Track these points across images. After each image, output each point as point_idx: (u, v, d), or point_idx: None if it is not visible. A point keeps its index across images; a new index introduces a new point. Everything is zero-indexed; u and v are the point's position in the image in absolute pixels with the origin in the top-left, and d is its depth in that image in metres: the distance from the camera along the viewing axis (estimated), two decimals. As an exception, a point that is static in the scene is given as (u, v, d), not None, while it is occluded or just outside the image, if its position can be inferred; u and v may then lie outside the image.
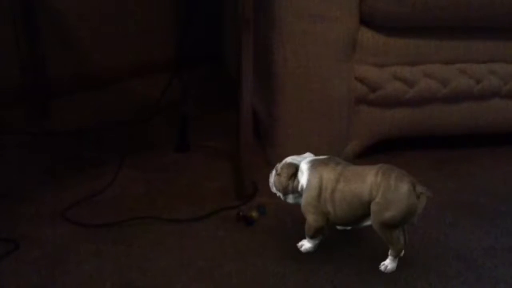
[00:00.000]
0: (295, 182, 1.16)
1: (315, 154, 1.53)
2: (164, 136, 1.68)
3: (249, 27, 1.30)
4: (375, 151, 1.61)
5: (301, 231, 1.18)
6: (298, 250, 1.19)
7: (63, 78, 1.94)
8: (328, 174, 1.13)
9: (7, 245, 1.16)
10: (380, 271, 1.13)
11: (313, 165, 1.16)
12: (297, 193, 1.17)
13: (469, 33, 1.57)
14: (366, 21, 1.50)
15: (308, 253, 1.18)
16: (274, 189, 1.20)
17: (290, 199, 1.19)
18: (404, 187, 1.08)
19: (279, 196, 1.20)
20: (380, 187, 1.08)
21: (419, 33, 1.54)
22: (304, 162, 1.17)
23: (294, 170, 1.16)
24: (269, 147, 1.58)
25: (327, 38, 1.46)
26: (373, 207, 1.09)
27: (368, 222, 1.13)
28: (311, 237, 1.18)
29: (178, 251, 1.18)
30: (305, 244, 1.19)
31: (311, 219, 1.15)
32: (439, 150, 1.68)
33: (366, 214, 1.11)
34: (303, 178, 1.15)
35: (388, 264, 1.14)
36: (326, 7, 1.44)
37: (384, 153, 1.62)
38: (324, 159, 1.18)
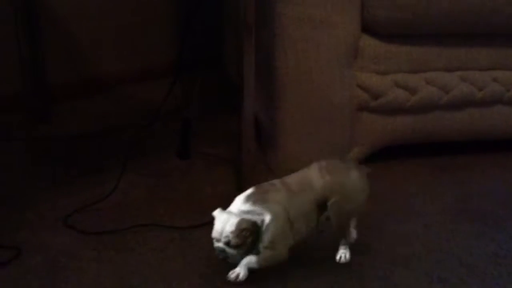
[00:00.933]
0: (258, 228, 1.03)
1: (317, 161, 1.53)
2: (166, 142, 1.68)
3: (251, 33, 1.30)
4: (376, 158, 1.61)
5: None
6: (300, 256, 1.18)
7: (64, 83, 1.95)
8: (278, 196, 1.04)
9: (8, 252, 1.15)
10: (379, 276, 1.12)
11: (256, 199, 1.04)
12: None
13: (471, 40, 1.57)
14: (368, 28, 1.50)
15: (310, 260, 1.17)
16: (244, 257, 1.06)
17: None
18: (355, 174, 1.07)
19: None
20: (334, 187, 1.06)
21: (420, 40, 1.54)
22: (242, 207, 1.05)
23: (252, 222, 1.03)
24: (271, 153, 1.57)
25: (328, 45, 1.46)
26: (333, 207, 1.06)
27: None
28: (257, 267, 1.07)
29: (179, 258, 1.17)
30: (242, 272, 1.07)
31: (280, 252, 1.05)
32: (441, 157, 1.68)
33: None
34: (259, 216, 1.03)
35: (345, 252, 1.14)
36: (328, 14, 1.44)
37: (386, 160, 1.62)
38: (255, 190, 1.07)
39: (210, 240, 1.23)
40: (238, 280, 1.07)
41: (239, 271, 1.07)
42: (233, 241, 1.03)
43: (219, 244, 1.05)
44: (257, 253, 1.06)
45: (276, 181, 1.09)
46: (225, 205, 1.35)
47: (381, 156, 1.61)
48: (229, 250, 1.04)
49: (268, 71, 1.51)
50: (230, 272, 1.08)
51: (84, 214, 1.31)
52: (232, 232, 1.02)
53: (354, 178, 1.08)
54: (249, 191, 1.07)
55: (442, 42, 1.55)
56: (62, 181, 1.47)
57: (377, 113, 1.57)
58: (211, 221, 1.29)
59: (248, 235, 1.03)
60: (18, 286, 1.07)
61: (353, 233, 1.16)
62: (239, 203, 1.06)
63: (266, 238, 1.04)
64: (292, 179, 1.09)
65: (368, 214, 1.35)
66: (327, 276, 1.12)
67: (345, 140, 1.56)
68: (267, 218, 1.03)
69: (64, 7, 1.94)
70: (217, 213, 1.07)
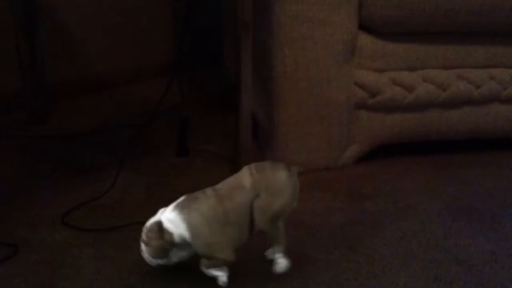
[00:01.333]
0: (166, 237, 1.03)
1: (315, 159, 1.54)
2: (164, 140, 1.68)
3: (248, 31, 1.30)
4: (374, 156, 1.61)
5: (303, 235, 1.18)
6: (297, 255, 1.18)
7: (63, 82, 1.95)
8: (207, 205, 1.03)
9: (6, 249, 1.16)
10: (376, 274, 1.13)
11: (182, 207, 1.03)
12: (176, 246, 1.04)
13: (469, 38, 1.58)
14: (365, 26, 1.50)
15: (308, 258, 1.18)
16: (155, 261, 1.06)
17: (176, 256, 1.06)
18: (282, 174, 1.05)
19: (162, 264, 1.07)
20: (261, 185, 1.04)
21: (418, 38, 1.54)
22: (166, 213, 1.04)
23: (159, 226, 1.03)
24: (269, 151, 1.58)
25: (326, 43, 1.47)
26: (258, 204, 1.04)
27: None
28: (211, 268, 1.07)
29: (177, 256, 1.17)
30: (222, 276, 1.08)
31: (224, 255, 1.04)
32: (438, 155, 1.68)
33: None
34: (180, 227, 1.02)
35: (282, 261, 1.11)
36: (325, 12, 1.44)
37: (383, 158, 1.62)
38: (185, 198, 1.06)
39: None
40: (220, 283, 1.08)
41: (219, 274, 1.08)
42: (142, 236, 1.06)
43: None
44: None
45: (208, 189, 1.07)
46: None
47: (378, 154, 1.62)
48: (142, 245, 1.07)
49: (265, 70, 1.52)
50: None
51: (82, 212, 1.31)
52: (144, 228, 1.06)
53: (281, 177, 1.05)
54: (180, 199, 1.06)
55: (439, 39, 1.55)
56: (61, 179, 1.47)
57: (375, 111, 1.57)
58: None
59: (152, 237, 1.04)
60: (16, 283, 1.08)
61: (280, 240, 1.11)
62: (167, 211, 1.05)
63: (199, 249, 1.04)
64: (223, 185, 1.08)
65: (365, 212, 1.36)
66: (323, 275, 1.13)
67: (343, 138, 1.56)
68: (183, 230, 1.03)
69: (62, 6, 1.94)
70: (160, 210, 1.08)
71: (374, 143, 1.61)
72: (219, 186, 1.08)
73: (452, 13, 1.49)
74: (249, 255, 1.15)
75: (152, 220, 1.06)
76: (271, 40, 1.48)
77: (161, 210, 1.07)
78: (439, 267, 1.16)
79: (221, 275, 1.07)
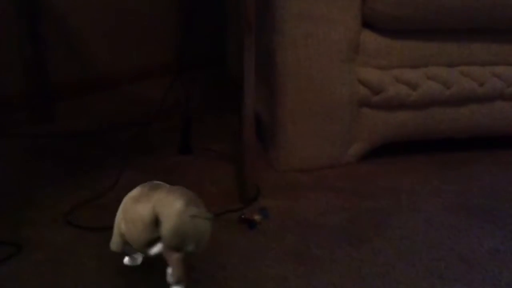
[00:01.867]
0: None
1: (318, 157, 1.54)
2: (167, 139, 1.68)
3: (251, 30, 1.30)
4: (378, 154, 1.61)
5: (306, 233, 1.18)
6: (301, 254, 1.18)
7: (66, 81, 1.95)
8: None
9: (9, 248, 1.16)
10: (379, 272, 1.12)
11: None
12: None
13: (473, 35, 1.57)
14: (368, 23, 1.50)
15: (311, 257, 1.17)
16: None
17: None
18: (177, 205, 0.96)
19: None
20: (160, 204, 0.98)
21: (421, 35, 1.53)
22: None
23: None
24: (272, 149, 1.58)
25: (329, 40, 1.46)
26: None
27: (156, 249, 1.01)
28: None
29: (180, 254, 1.17)
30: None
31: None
32: (442, 153, 1.68)
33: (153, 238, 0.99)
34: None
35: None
36: (328, 10, 1.44)
37: (387, 156, 1.62)
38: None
39: (210, 236, 1.23)
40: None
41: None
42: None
43: None
44: None
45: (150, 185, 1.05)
46: (225, 201, 1.36)
47: (381, 152, 1.61)
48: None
49: (268, 68, 1.51)
50: None
51: (85, 211, 1.31)
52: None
53: (175, 207, 0.97)
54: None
55: (443, 37, 1.55)
56: (64, 178, 1.47)
57: (378, 108, 1.57)
58: (211, 217, 1.29)
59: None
60: (19, 282, 1.08)
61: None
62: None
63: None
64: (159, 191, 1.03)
65: (368, 210, 1.35)
66: (326, 274, 1.12)
67: (346, 136, 1.56)
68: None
69: (66, 6, 1.94)
70: None
71: (378, 141, 1.60)
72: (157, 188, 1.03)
73: (456, 10, 1.48)
74: (247, 255, 1.15)
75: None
76: (274, 38, 1.47)
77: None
78: (443, 265, 1.16)
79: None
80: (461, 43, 1.57)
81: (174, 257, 0.99)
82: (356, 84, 1.52)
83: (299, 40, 1.45)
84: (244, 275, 1.11)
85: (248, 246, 1.21)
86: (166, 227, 0.96)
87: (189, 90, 1.64)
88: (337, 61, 1.49)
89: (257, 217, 1.28)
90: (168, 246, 0.98)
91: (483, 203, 1.40)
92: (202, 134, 1.67)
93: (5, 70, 1.78)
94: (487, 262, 1.17)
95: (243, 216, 1.29)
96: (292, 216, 1.29)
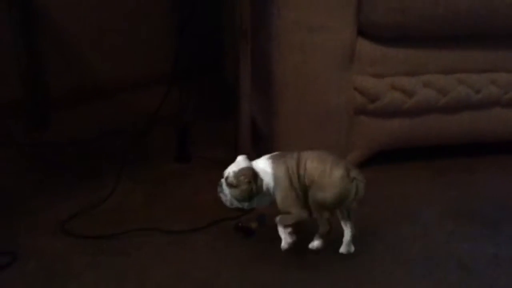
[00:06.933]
0: (259, 183, 1.15)
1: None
2: (164, 147, 1.68)
3: (246, 37, 1.31)
4: (374, 162, 1.61)
5: (302, 241, 1.18)
6: (298, 261, 1.17)
7: (62, 90, 1.95)
8: (290, 164, 1.14)
9: (5, 257, 1.15)
10: (378, 279, 1.12)
11: (274, 160, 1.16)
12: (262, 193, 1.16)
13: (469, 43, 1.57)
14: (364, 32, 1.50)
15: (308, 264, 1.17)
16: (236, 203, 1.18)
17: (255, 202, 1.18)
18: (338, 172, 1.12)
19: (241, 208, 1.19)
20: (317, 170, 1.13)
21: (417, 43, 1.54)
22: (260, 163, 1.17)
23: (253, 171, 1.15)
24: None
25: (325, 49, 1.47)
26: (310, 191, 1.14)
27: None
28: (286, 226, 1.17)
29: (176, 262, 1.17)
30: (286, 238, 1.17)
31: (296, 212, 1.15)
32: (439, 160, 1.68)
33: None
34: (268, 176, 1.15)
35: (314, 242, 1.18)
36: (324, 18, 1.45)
37: (384, 163, 1.61)
38: (278, 153, 1.19)
39: (207, 244, 1.23)
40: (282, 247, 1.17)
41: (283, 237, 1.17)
42: (230, 179, 1.16)
43: (222, 179, 1.18)
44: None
45: (295, 153, 1.17)
46: (222, 210, 1.35)
47: (379, 159, 1.61)
48: (224, 187, 1.18)
49: (265, 75, 1.52)
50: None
51: (81, 219, 1.30)
52: (233, 172, 1.16)
53: (333, 175, 1.13)
54: (274, 153, 1.19)
55: (438, 44, 1.55)
56: (60, 187, 1.46)
57: (375, 116, 1.57)
58: (208, 226, 1.29)
59: (245, 181, 1.14)
60: (15, 291, 1.07)
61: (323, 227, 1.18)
62: (261, 160, 1.17)
63: (278, 200, 1.16)
64: (305, 155, 1.16)
65: (367, 217, 1.35)
66: (324, 281, 1.12)
67: (343, 143, 1.56)
68: (269, 180, 1.15)
69: (63, 14, 1.94)
70: (239, 158, 1.19)
71: (374, 148, 1.60)
72: (303, 154, 1.16)
73: (451, 18, 1.49)
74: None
75: (236, 166, 1.16)
76: (270, 46, 1.48)
77: (241, 157, 1.18)
78: (442, 271, 1.15)
79: (285, 238, 1.16)
80: (457, 50, 1.58)
81: (324, 215, 1.15)
82: (352, 92, 1.53)
83: (295, 48, 1.46)
84: (239, 283, 1.11)
85: (245, 254, 1.20)
86: (328, 193, 1.13)
87: (185, 98, 1.64)
88: (333, 69, 1.49)
89: (254, 225, 1.28)
90: (321, 208, 1.14)
91: (481, 209, 1.40)
92: (199, 141, 1.67)
93: (2, 79, 1.78)
94: (485, 268, 1.16)
95: (240, 224, 1.28)
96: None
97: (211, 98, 2.06)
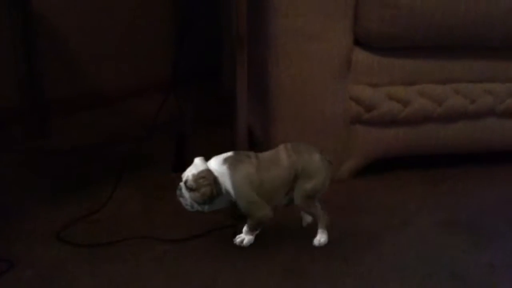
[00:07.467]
0: (218, 185, 1.15)
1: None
2: (161, 154, 1.68)
3: (243, 45, 1.31)
4: (370, 171, 1.62)
5: (299, 248, 1.18)
6: (294, 269, 1.18)
7: (60, 97, 1.96)
8: (250, 169, 1.15)
9: (1, 264, 1.15)
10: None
11: (231, 164, 1.16)
12: (221, 195, 1.17)
13: (464, 53, 1.59)
14: (360, 41, 1.51)
15: (305, 270, 1.17)
16: (196, 206, 1.18)
17: (216, 205, 1.18)
18: (317, 157, 1.17)
19: (201, 211, 1.19)
20: (298, 166, 1.16)
21: (413, 52, 1.55)
22: (216, 165, 1.16)
23: (213, 174, 1.15)
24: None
25: (321, 58, 1.48)
26: (295, 184, 1.17)
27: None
28: (254, 230, 1.21)
29: (174, 270, 1.17)
30: (247, 238, 1.22)
31: (261, 214, 1.18)
32: (434, 169, 1.68)
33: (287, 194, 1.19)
34: (227, 179, 1.15)
35: (320, 237, 1.23)
36: (321, 27, 1.46)
37: (379, 172, 1.62)
38: (233, 155, 1.18)
39: (205, 252, 1.24)
40: (242, 244, 1.22)
41: (244, 237, 1.22)
42: (189, 183, 1.15)
43: (180, 183, 1.17)
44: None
45: (251, 154, 1.19)
46: (219, 218, 1.36)
47: (374, 168, 1.62)
48: (183, 191, 1.17)
49: (262, 84, 1.52)
50: (237, 237, 1.23)
51: (79, 227, 1.30)
52: (192, 175, 1.15)
53: (315, 160, 1.17)
54: (227, 154, 1.18)
55: (434, 54, 1.56)
56: (58, 194, 1.47)
57: (371, 125, 1.58)
58: (205, 234, 1.29)
59: (205, 184, 1.14)
60: (11, 299, 1.07)
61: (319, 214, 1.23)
62: (216, 162, 1.17)
63: (243, 207, 1.18)
64: (264, 156, 1.19)
65: (361, 225, 1.35)
66: (322, 286, 1.12)
67: (339, 152, 1.57)
68: (228, 184, 1.15)
69: (62, 21, 1.95)
70: (197, 160, 1.18)
71: (370, 157, 1.61)
72: (261, 155, 1.19)
73: (447, 28, 1.50)
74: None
75: (194, 169, 1.15)
76: (267, 54, 1.49)
77: (198, 159, 1.17)
78: (436, 281, 1.16)
79: (250, 239, 1.21)
80: (453, 60, 1.59)
81: (317, 205, 1.21)
82: (348, 101, 1.54)
83: (291, 57, 1.47)
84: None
85: (243, 261, 1.21)
86: (317, 178, 1.17)
87: (183, 106, 1.64)
88: (330, 78, 1.50)
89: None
90: (311, 197, 1.18)
91: (476, 218, 1.41)
92: (196, 149, 1.67)
93: (1, 86, 1.78)
94: (479, 277, 1.17)
95: (238, 232, 1.29)
96: (285, 231, 1.29)
97: (209, 105, 2.07)
